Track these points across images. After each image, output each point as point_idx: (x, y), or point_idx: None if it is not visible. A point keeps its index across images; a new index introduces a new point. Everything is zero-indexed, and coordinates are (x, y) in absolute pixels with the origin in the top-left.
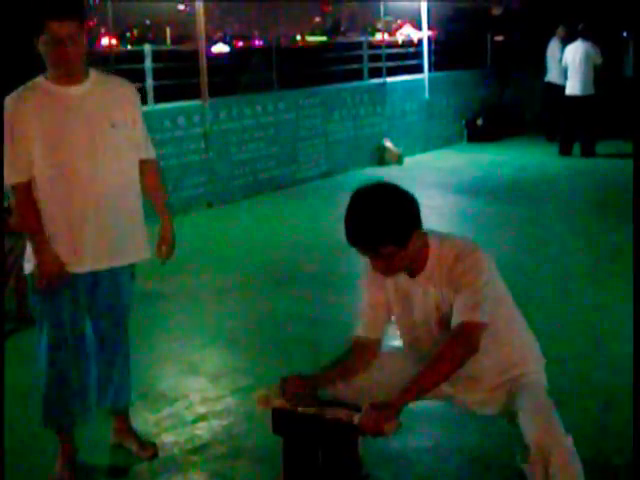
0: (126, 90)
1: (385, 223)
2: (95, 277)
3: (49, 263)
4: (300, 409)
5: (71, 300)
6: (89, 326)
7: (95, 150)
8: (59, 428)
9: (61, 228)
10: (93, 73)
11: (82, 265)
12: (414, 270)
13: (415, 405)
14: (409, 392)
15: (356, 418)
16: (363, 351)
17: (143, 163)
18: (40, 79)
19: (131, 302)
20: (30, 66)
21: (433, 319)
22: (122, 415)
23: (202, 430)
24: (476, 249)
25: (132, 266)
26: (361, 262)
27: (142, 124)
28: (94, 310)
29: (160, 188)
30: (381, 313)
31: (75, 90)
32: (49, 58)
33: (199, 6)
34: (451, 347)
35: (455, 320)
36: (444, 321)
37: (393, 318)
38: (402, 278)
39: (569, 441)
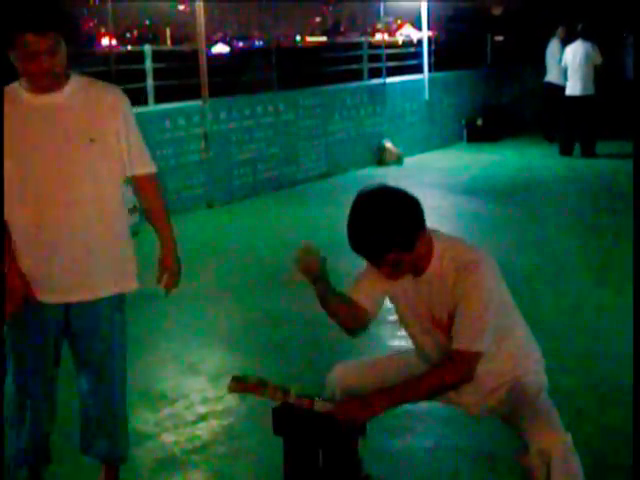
0: (112, 97)
1: (390, 231)
2: (67, 309)
3: (14, 278)
4: (267, 391)
5: (39, 331)
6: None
7: (69, 170)
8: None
9: (29, 254)
10: (74, 78)
11: (51, 295)
12: (417, 271)
13: (416, 405)
14: (388, 396)
15: (328, 405)
16: (356, 311)
17: (137, 180)
18: (15, 85)
19: (120, 338)
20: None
21: (434, 316)
22: (113, 469)
23: (202, 430)
24: (478, 264)
25: (118, 298)
26: (361, 262)
27: (134, 135)
28: (74, 347)
29: (158, 207)
30: (378, 292)
31: (50, 98)
32: (25, 71)
33: (199, 6)
34: (442, 371)
35: (454, 343)
36: (441, 326)
37: (396, 313)
38: (407, 277)
39: (568, 438)
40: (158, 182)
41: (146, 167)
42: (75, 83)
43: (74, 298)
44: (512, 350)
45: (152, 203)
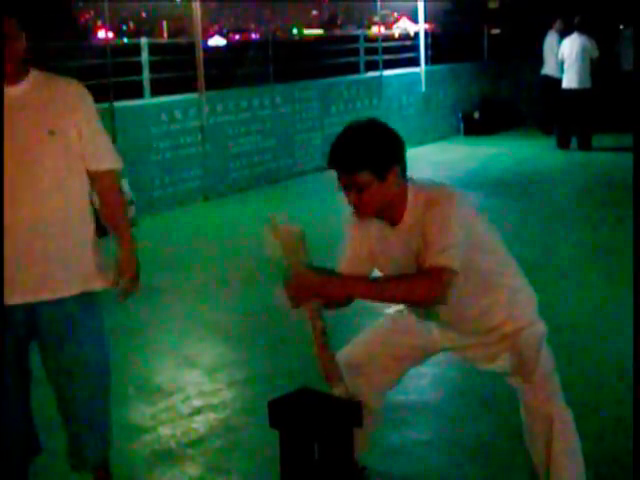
0: (72, 91)
1: (366, 148)
2: (32, 310)
3: None
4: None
5: (11, 335)
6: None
7: (29, 164)
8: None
9: None
10: (34, 73)
11: (12, 296)
12: (394, 219)
13: (411, 399)
14: (364, 283)
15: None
16: None
17: (97, 175)
18: None
19: (92, 339)
20: None
21: (413, 270)
22: (100, 470)
23: (198, 423)
24: (449, 196)
25: (85, 298)
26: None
27: (96, 129)
28: (42, 350)
29: (117, 206)
30: (364, 262)
31: (9, 91)
32: None
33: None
34: (413, 282)
35: (423, 265)
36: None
37: (376, 269)
38: (385, 228)
39: (569, 413)
40: (119, 181)
41: (107, 163)
42: (35, 77)
43: (35, 298)
44: (508, 295)
45: (111, 202)
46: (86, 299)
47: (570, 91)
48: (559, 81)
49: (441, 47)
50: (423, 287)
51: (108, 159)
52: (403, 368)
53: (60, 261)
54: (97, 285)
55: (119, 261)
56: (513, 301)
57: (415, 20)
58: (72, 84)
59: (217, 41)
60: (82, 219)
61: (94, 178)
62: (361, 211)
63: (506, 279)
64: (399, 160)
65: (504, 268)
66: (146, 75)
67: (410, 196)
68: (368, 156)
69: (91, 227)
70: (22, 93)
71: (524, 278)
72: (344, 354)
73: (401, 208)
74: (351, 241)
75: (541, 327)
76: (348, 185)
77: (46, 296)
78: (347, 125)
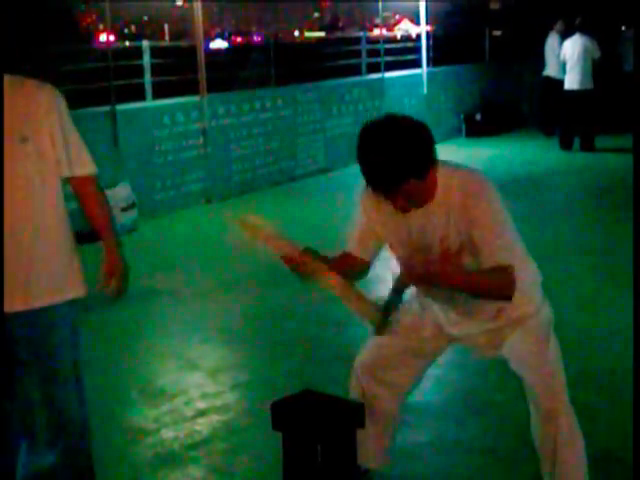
0: (45, 96)
1: (404, 161)
2: (9, 322)
3: None
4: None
5: None
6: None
7: (1, 173)
8: None
9: None
10: (5, 77)
11: None
12: (421, 202)
13: (414, 400)
14: (459, 274)
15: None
16: (352, 262)
17: (75, 181)
18: None
19: (70, 349)
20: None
21: (434, 249)
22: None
23: (201, 426)
24: (486, 185)
25: (63, 307)
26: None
27: (71, 135)
28: (18, 358)
29: (100, 210)
30: (373, 240)
31: None
32: None
33: (197, 2)
34: (503, 279)
35: (489, 259)
36: (449, 252)
37: (386, 245)
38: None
39: (572, 411)
40: (99, 185)
41: (85, 167)
42: (7, 82)
43: (8, 308)
44: (523, 278)
45: (91, 206)
46: (65, 307)
47: (572, 92)
48: (561, 82)
49: (443, 49)
50: (509, 285)
51: (86, 163)
52: (418, 366)
53: (33, 270)
54: (76, 294)
55: (103, 265)
56: (521, 284)
57: (417, 22)
58: (44, 88)
59: (219, 44)
60: (57, 227)
61: (71, 184)
62: (406, 210)
63: (515, 261)
64: (434, 152)
65: (523, 257)
66: (148, 78)
67: (441, 179)
68: (408, 168)
69: (67, 234)
70: None
71: (530, 259)
72: (360, 360)
73: (432, 191)
74: (360, 218)
75: (548, 311)
76: (392, 195)
77: (19, 307)
78: (368, 132)
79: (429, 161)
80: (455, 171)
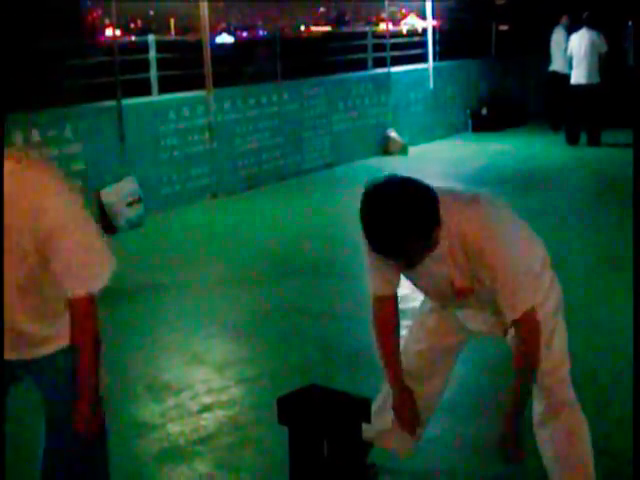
0: (40, 187)
1: (410, 230)
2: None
3: None
4: None
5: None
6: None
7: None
8: None
9: None
10: (7, 164)
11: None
12: (425, 257)
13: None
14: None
15: None
16: (386, 304)
17: (68, 301)
18: None
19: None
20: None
21: (445, 288)
22: None
23: (207, 420)
24: (494, 215)
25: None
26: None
27: (72, 238)
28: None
29: (85, 339)
30: (391, 270)
31: None
32: None
33: None
34: (532, 340)
35: (510, 315)
36: (464, 289)
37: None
38: None
39: (578, 404)
40: (95, 307)
41: (82, 286)
42: (6, 168)
43: (13, 356)
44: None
45: (78, 332)
46: (60, 353)
47: (579, 87)
48: (567, 77)
49: (449, 43)
50: (537, 341)
51: (83, 281)
52: (449, 363)
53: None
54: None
55: (77, 399)
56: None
57: (423, 16)
58: (42, 177)
59: (224, 38)
60: (46, 298)
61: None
62: (411, 267)
63: (537, 296)
64: (439, 216)
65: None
66: (154, 73)
67: (445, 220)
68: (414, 235)
69: (56, 296)
70: None
71: (545, 254)
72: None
73: (437, 241)
74: (371, 259)
75: (555, 297)
76: (399, 259)
77: (21, 356)
78: (372, 196)
79: (432, 225)
80: (460, 212)
